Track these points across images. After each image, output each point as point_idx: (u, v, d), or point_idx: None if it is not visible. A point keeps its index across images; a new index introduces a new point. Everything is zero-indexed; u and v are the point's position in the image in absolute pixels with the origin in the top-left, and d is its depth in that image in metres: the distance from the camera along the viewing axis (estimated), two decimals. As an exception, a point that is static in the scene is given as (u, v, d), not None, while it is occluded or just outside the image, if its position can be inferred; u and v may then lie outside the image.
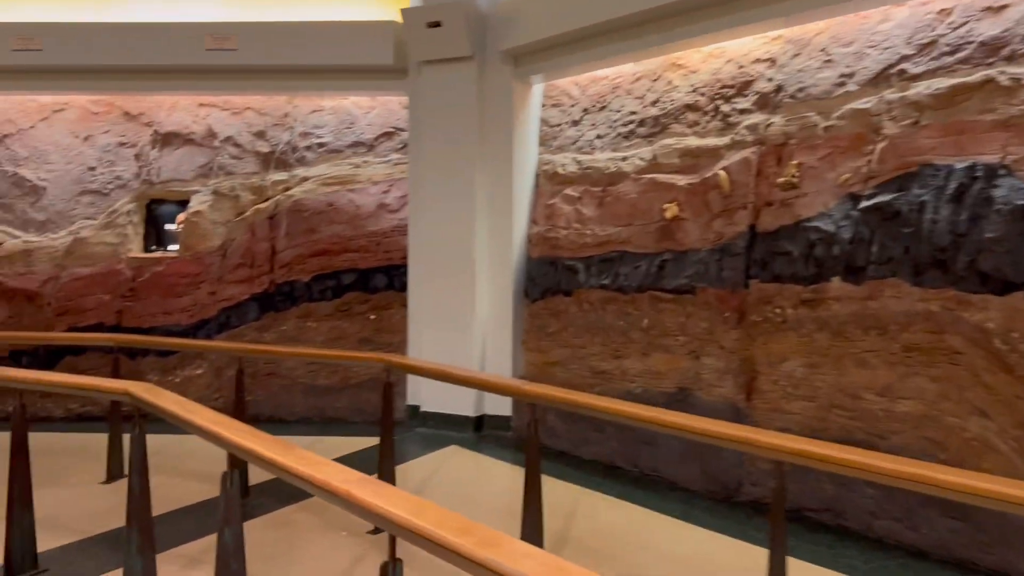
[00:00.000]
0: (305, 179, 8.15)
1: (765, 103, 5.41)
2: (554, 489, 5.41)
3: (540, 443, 3.96)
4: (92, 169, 8.31)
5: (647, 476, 5.87)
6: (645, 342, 5.97)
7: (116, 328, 7.93)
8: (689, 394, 5.64)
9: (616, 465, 6.11)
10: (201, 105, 8.37)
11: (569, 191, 6.78)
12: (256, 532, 4.73)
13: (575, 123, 6.92)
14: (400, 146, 8.15)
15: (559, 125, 7.10)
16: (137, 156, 8.33)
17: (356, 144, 8.24)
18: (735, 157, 5.48)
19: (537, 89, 7.35)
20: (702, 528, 4.87)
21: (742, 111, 5.56)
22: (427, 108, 7.47)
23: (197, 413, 3.12)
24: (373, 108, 8.29)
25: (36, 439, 6.72)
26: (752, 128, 5.43)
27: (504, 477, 6.11)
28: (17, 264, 8.09)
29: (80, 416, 7.75)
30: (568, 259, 6.67)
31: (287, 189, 8.15)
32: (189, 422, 3.08)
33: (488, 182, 7.32)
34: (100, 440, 5.94)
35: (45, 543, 4.30)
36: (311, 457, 2.47)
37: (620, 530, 4.85)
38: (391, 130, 8.22)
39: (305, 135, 8.25)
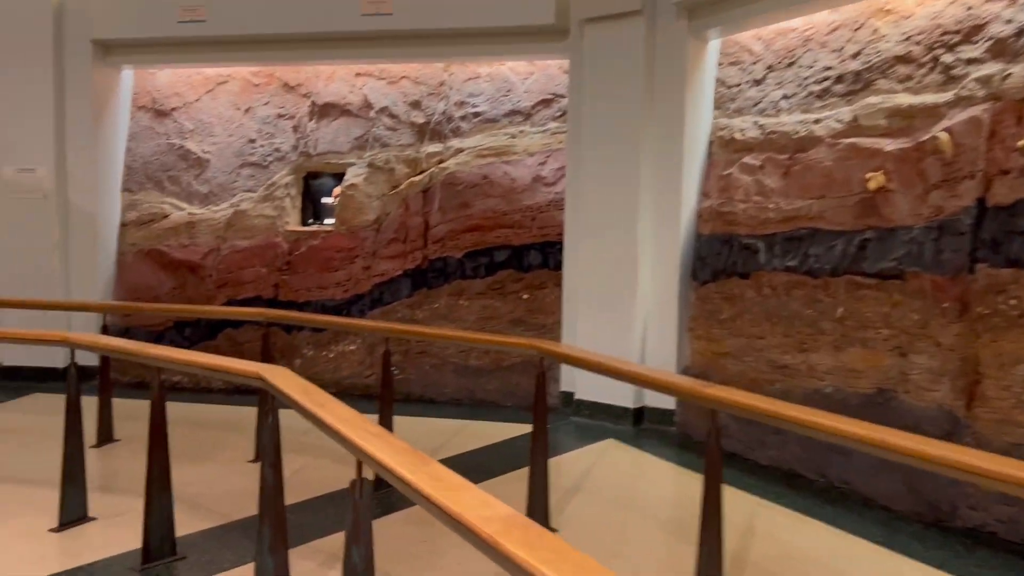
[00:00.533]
0: (460, 151, 7.78)
1: (1002, 50, 4.43)
2: (727, 498, 4.74)
3: (722, 453, 3.32)
4: (252, 141, 8.30)
5: (836, 488, 5.07)
6: (838, 334, 5.14)
7: (273, 301, 7.90)
8: (892, 397, 4.79)
9: (798, 473, 5.35)
10: (357, 75, 8.16)
11: (748, 159, 6.00)
12: (396, 527, 4.39)
13: (757, 82, 6.10)
14: (559, 114, 7.60)
15: (738, 85, 6.30)
16: (295, 128, 8.25)
17: (512, 113, 7.77)
18: (960, 116, 4.54)
19: (713, 45, 6.55)
20: (910, 559, 4.06)
21: (970, 61, 4.60)
22: (589, 71, 6.86)
23: (324, 407, 2.72)
24: (531, 74, 7.78)
25: (194, 411, 6.91)
26: (984, 81, 4.47)
27: (668, 480, 5.50)
28: (182, 236, 8.23)
29: (238, 388, 7.76)
30: (746, 237, 5.90)
31: (441, 162, 7.81)
32: (315, 417, 2.68)
33: (654, 151, 6.63)
34: (254, 414, 5.78)
35: (186, 526, 4.12)
36: (448, 479, 1.98)
37: (808, 554, 4.14)
38: (549, 97, 7.69)
39: (460, 104, 7.87)
